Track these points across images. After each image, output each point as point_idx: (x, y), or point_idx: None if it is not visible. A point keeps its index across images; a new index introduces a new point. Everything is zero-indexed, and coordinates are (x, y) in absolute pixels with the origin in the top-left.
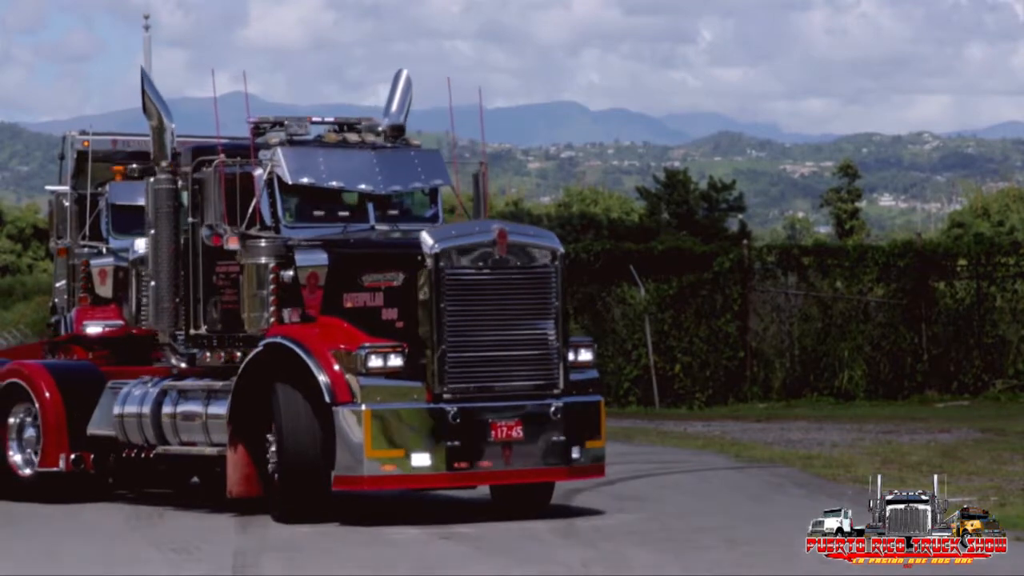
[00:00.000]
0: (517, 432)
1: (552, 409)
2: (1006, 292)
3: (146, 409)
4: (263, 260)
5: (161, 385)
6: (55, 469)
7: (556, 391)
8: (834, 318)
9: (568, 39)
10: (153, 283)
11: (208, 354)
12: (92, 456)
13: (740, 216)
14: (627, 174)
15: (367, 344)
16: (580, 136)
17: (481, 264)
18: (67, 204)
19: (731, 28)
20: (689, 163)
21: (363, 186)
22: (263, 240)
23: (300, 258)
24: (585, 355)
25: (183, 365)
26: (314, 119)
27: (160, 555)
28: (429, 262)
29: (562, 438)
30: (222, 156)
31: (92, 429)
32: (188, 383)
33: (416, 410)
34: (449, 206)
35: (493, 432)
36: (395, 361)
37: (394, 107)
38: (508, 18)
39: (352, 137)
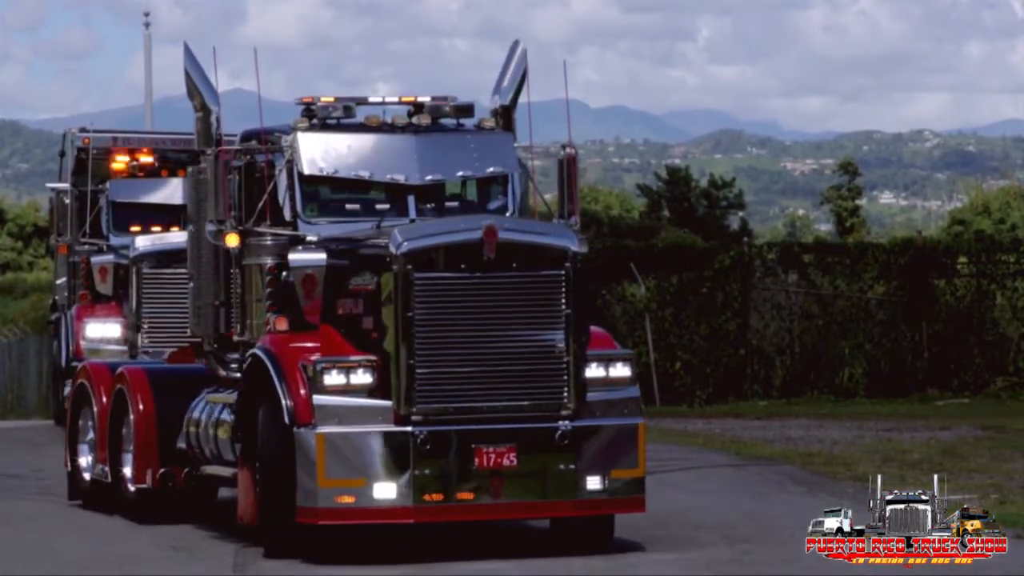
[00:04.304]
0: (509, 459)
1: (558, 433)
2: (1007, 290)
3: (204, 420)
4: (263, 260)
5: (215, 396)
6: (144, 485)
7: (565, 412)
8: (834, 316)
9: (567, 37)
10: (192, 284)
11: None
12: (185, 471)
13: (741, 214)
14: (627, 172)
15: (323, 358)
16: (580, 134)
17: (463, 267)
18: (67, 201)
19: (729, 26)
20: (690, 160)
21: (391, 176)
22: (268, 238)
23: (293, 258)
24: (620, 370)
25: (237, 375)
26: (372, 99)
27: (160, 554)
28: (396, 264)
29: (571, 467)
30: (224, 146)
31: (179, 442)
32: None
33: (378, 434)
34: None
35: (477, 459)
36: (362, 377)
37: (506, 82)
38: (507, 16)
39: (401, 120)
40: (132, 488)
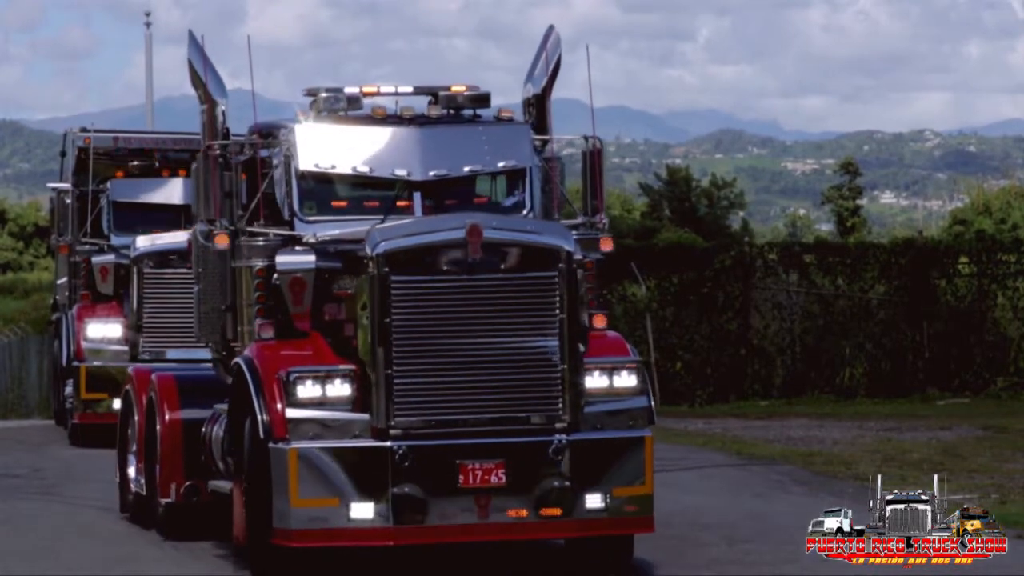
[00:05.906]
0: (497, 477)
1: (552, 448)
2: (1007, 289)
3: (215, 432)
4: (253, 262)
5: (223, 406)
6: (169, 500)
7: (560, 425)
8: (835, 315)
9: (566, 37)
10: (197, 287)
11: None
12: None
13: (741, 213)
14: (628, 172)
15: (296, 368)
16: (581, 133)
17: (445, 269)
18: (68, 201)
19: (728, 25)
20: (690, 160)
21: (393, 172)
22: (259, 239)
23: (280, 260)
24: (625, 379)
25: None
26: (383, 90)
27: (160, 554)
28: (371, 267)
29: (567, 484)
30: (214, 141)
31: (202, 454)
32: None
33: (354, 449)
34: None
35: (462, 477)
36: (340, 389)
37: (538, 69)
38: (506, 16)
39: (408, 111)
40: (161, 502)
